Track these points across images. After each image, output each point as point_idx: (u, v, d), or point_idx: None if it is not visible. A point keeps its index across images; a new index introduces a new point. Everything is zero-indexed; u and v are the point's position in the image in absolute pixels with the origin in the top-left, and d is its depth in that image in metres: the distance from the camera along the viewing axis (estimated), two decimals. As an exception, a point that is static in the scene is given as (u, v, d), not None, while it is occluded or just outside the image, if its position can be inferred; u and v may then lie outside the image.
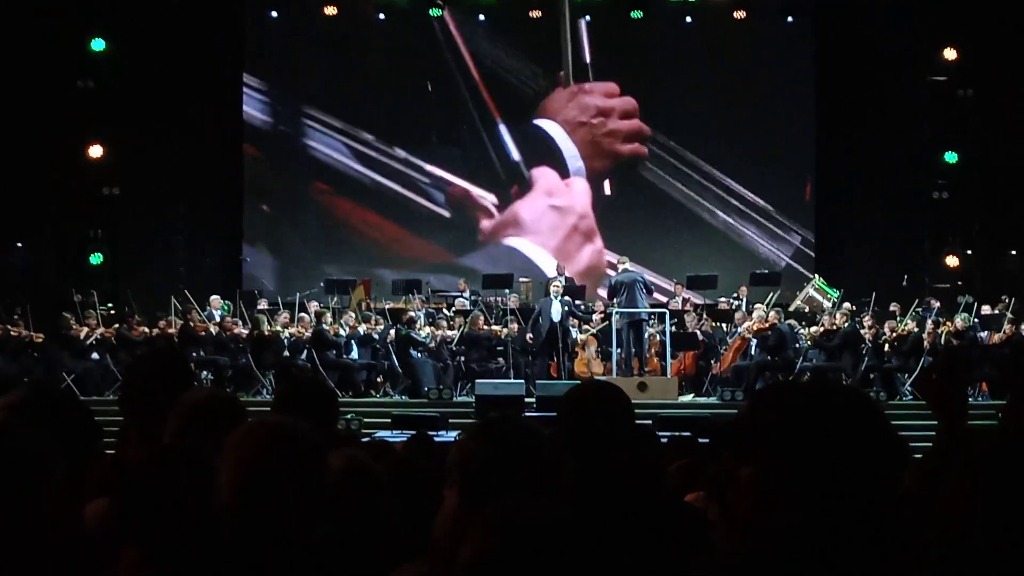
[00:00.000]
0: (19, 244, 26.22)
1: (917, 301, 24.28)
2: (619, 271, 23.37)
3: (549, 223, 28.68)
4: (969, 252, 26.88)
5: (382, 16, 28.06)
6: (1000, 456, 2.37)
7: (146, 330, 23.25)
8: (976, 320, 23.20)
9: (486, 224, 28.71)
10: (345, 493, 3.53)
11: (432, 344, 23.15)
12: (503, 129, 28.66)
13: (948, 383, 3.51)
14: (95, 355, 22.89)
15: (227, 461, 3.30)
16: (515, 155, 28.66)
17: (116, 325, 23.30)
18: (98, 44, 26.29)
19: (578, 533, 2.48)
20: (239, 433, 3.38)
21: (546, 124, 28.69)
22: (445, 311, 24.53)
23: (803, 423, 2.60)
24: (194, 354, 21.72)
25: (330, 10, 27.42)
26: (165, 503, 3.38)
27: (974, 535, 2.31)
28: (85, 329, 22.90)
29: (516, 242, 28.58)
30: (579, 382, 14.04)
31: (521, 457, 3.38)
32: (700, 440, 12.15)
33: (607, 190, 28.75)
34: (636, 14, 27.40)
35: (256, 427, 3.43)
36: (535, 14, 27.74)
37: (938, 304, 24.28)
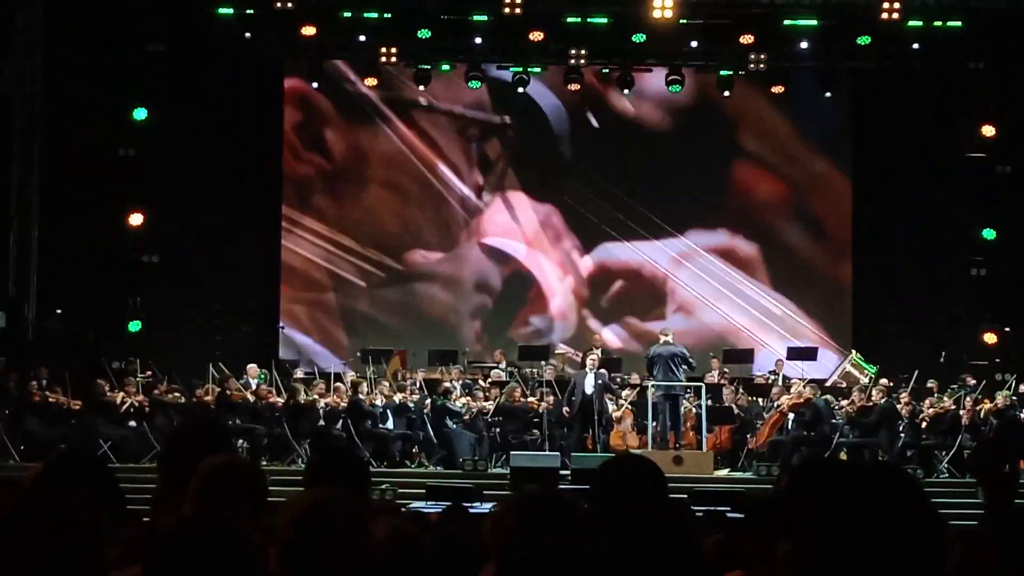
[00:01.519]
0: (59, 311, 26.33)
1: (961, 383, 24.10)
2: (659, 343, 23.35)
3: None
4: (1007, 329, 26.69)
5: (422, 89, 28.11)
6: None
7: (178, 395, 23.30)
8: (1015, 398, 23.04)
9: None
10: (391, 562, 3.55)
11: (468, 415, 23.14)
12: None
13: (1000, 461, 3.50)
14: (132, 423, 22.95)
15: (277, 537, 3.37)
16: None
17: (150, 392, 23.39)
18: (140, 113, 26.49)
19: None
20: (287, 506, 3.45)
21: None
22: (481, 382, 24.51)
23: (843, 500, 2.61)
24: (230, 422, 21.72)
25: (370, 81, 27.60)
26: (193, 572, 3.41)
27: None
28: (120, 395, 22.97)
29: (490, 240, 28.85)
30: (613, 455, 14.01)
31: (559, 532, 3.38)
32: (732, 515, 12.09)
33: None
34: (675, 88, 27.43)
35: (302, 502, 3.49)
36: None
37: (974, 381, 24.10)
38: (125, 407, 22.85)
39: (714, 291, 28.56)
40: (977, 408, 22.61)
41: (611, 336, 28.26)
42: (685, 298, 28.64)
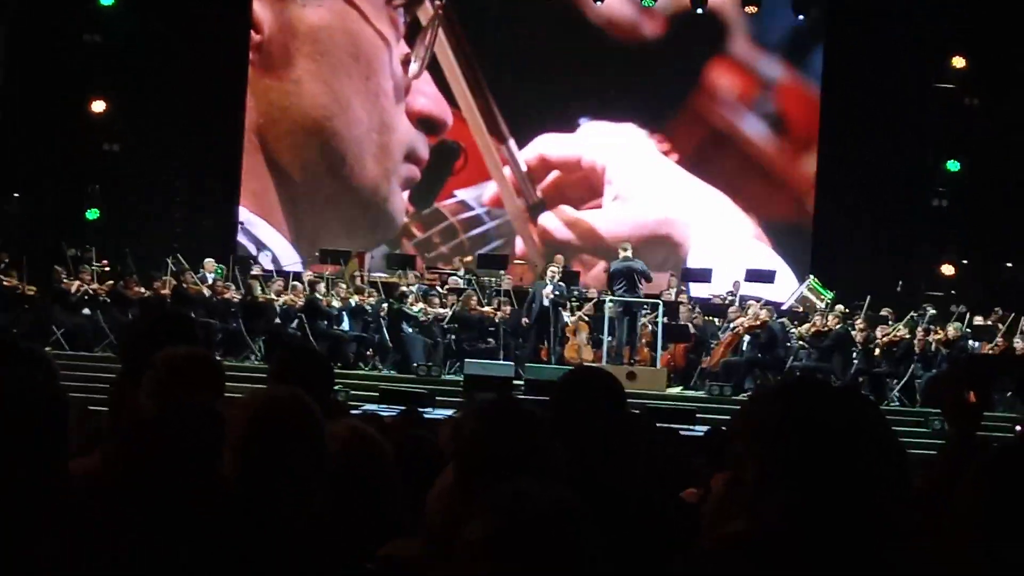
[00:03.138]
0: (16, 194, 26.16)
1: (922, 312, 24.24)
2: (619, 258, 23.37)
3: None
4: (965, 262, 26.83)
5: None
6: (1013, 463, 2.37)
7: (142, 290, 23.22)
8: (968, 330, 23.22)
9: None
10: (349, 463, 3.53)
11: (424, 320, 23.15)
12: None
13: (968, 391, 3.51)
14: (87, 311, 22.88)
15: (232, 432, 3.33)
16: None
17: (111, 282, 23.27)
18: (106, -1, 26.22)
19: (582, 515, 2.48)
20: (245, 404, 3.41)
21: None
22: (438, 288, 24.51)
23: (811, 417, 2.61)
24: (185, 316, 21.63)
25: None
26: (179, 458, 3.38)
27: (988, 540, 2.31)
28: (76, 283, 22.87)
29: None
30: (569, 367, 14.04)
31: (518, 440, 3.38)
32: (685, 432, 12.18)
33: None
34: (648, 2, 27.29)
35: (261, 399, 3.45)
36: None
37: (934, 311, 24.25)
38: (79, 294, 22.78)
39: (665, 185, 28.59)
40: (928, 338, 22.76)
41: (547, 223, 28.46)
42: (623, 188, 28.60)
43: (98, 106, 26.17)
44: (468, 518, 2.48)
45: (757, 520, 2.59)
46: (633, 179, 28.46)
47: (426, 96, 28.40)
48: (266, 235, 27.96)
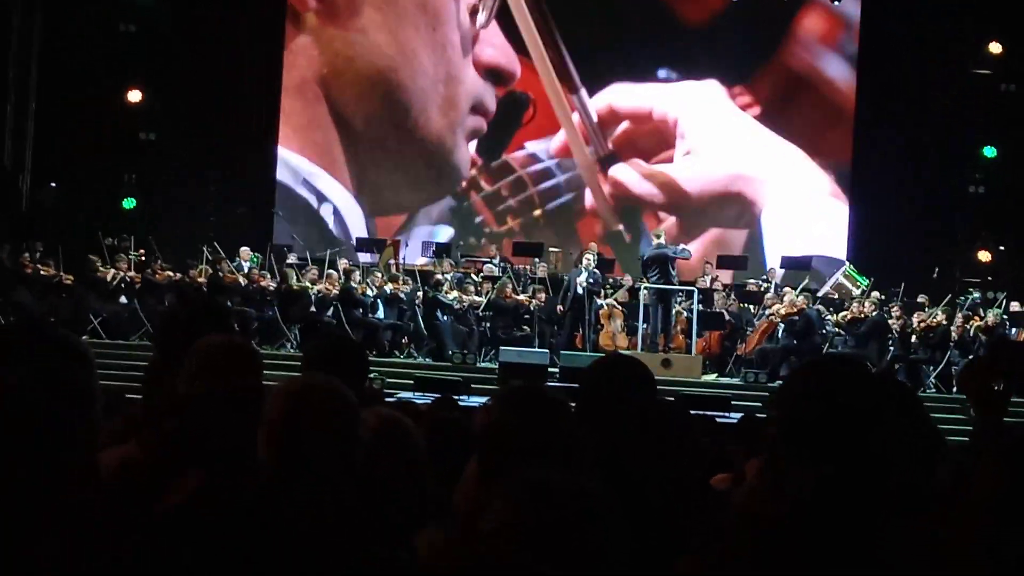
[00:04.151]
0: (53, 184, 26.27)
1: (967, 297, 24.12)
2: (653, 245, 23.35)
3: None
4: (1002, 248, 26.67)
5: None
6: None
7: (171, 275, 23.25)
8: (1005, 316, 23.10)
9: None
10: (378, 451, 3.55)
11: (459, 308, 23.15)
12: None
13: (995, 378, 3.50)
14: (123, 299, 22.97)
15: (267, 419, 3.36)
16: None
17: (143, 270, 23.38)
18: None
19: (600, 503, 2.49)
20: (280, 391, 3.43)
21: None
22: (473, 276, 24.51)
23: (833, 396, 2.60)
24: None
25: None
26: (214, 441, 3.41)
27: (996, 527, 2.32)
28: (112, 272, 22.96)
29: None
30: (603, 355, 14.06)
31: (540, 427, 3.38)
32: (722, 420, 12.15)
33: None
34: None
35: (296, 386, 3.48)
36: None
37: (977, 296, 24.14)
38: (116, 282, 22.86)
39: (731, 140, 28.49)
40: (967, 325, 22.66)
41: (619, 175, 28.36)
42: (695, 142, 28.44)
43: (134, 95, 26.25)
44: (488, 505, 2.50)
45: (780, 502, 2.60)
46: (706, 133, 28.31)
47: (494, 47, 28.21)
48: (328, 187, 28.01)
